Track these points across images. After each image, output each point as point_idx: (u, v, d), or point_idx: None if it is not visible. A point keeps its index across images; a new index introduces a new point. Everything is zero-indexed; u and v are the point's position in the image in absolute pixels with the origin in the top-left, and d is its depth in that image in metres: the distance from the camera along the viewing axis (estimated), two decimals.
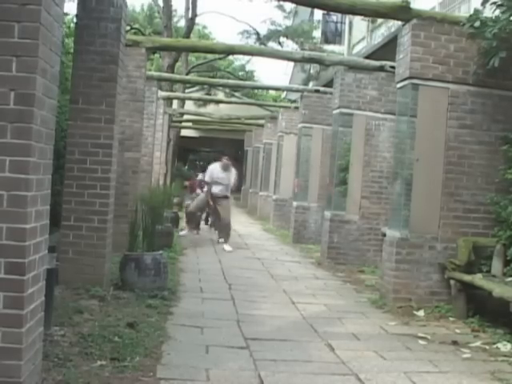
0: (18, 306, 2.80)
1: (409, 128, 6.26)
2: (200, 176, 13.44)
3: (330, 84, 11.48)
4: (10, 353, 2.78)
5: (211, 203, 10.80)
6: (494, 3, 5.78)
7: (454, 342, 4.95)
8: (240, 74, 30.26)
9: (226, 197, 10.75)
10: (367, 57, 10.11)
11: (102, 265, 5.75)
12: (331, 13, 22.67)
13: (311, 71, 23.36)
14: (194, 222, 11.67)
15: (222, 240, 10.89)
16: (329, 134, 10.93)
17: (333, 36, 26.47)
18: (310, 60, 10.57)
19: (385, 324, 5.54)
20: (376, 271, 8.39)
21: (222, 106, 22.71)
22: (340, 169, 9.56)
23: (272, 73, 61.20)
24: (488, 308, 5.69)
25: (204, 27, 34.22)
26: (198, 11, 21.39)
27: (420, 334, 5.16)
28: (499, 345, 4.90)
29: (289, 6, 25.35)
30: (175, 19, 27.07)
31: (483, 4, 5.91)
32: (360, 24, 20.36)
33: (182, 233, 11.50)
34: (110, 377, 3.55)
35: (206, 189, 10.97)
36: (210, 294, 6.55)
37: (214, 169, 10.76)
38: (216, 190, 10.66)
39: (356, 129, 9.42)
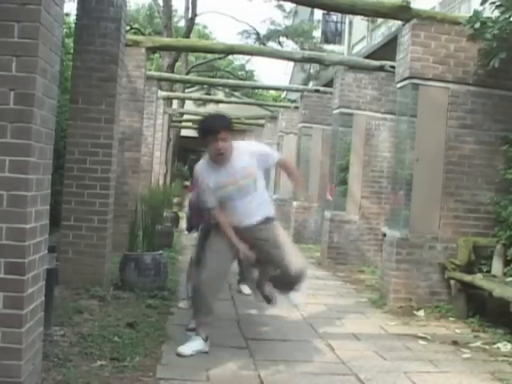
0: (18, 306, 2.80)
1: (409, 128, 6.26)
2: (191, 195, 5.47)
3: (330, 84, 11.47)
4: (10, 353, 2.78)
5: (245, 251, 4.38)
6: (493, 3, 5.77)
7: (454, 342, 4.95)
8: (240, 73, 30.26)
9: (265, 220, 4.46)
10: (367, 57, 10.10)
11: (101, 265, 5.74)
12: (331, 13, 22.67)
13: (311, 71, 23.36)
14: (210, 306, 4.42)
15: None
16: (329, 134, 10.92)
17: (333, 36, 26.48)
18: (310, 60, 10.57)
19: (385, 324, 5.54)
20: (376, 271, 8.38)
21: (221, 105, 22.67)
22: (340, 169, 9.55)
23: (272, 73, 61.20)
24: (488, 308, 5.68)
25: (204, 27, 34.22)
26: (198, 11, 21.43)
27: (420, 334, 5.16)
28: (499, 345, 4.89)
29: (289, 5, 25.37)
30: (175, 19, 27.07)
31: (482, 4, 5.91)
32: (360, 24, 20.35)
33: (189, 348, 4.23)
34: (110, 377, 3.55)
35: (217, 217, 4.42)
36: None
37: (203, 171, 4.45)
38: (235, 215, 4.39)
39: (356, 129, 9.42)
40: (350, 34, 23.20)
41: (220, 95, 24.74)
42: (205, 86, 23.87)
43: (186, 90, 24.22)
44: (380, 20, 17.75)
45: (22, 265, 2.79)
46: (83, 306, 5.02)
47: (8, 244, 2.77)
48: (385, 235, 6.69)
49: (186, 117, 22.74)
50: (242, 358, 4.23)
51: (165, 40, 13.08)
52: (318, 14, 24.98)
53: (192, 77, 20.41)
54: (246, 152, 4.35)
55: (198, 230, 5.37)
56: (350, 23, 22.91)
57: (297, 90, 15.98)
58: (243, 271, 6.25)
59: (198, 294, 4.32)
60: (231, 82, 19.54)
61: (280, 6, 25.58)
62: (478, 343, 4.95)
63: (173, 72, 19.63)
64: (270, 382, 3.75)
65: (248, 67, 33.01)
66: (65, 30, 8.48)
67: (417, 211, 6.21)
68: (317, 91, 12.56)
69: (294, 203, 12.57)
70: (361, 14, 7.67)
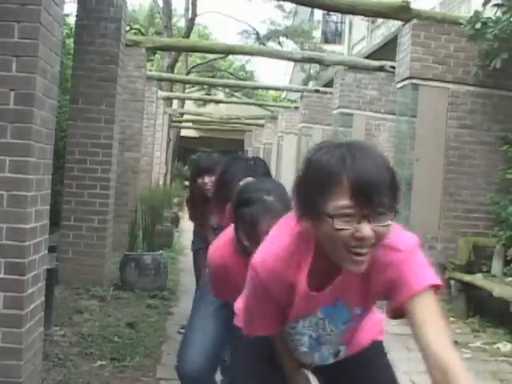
0: (18, 306, 2.80)
1: (409, 128, 6.26)
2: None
3: (330, 84, 11.48)
4: (10, 353, 2.78)
5: None
6: (496, 5, 5.78)
7: (455, 342, 4.91)
8: (240, 74, 30.26)
9: None
10: (367, 57, 10.11)
11: (101, 265, 5.74)
12: (331, 13, 22.69)
13: (311, 71, 23.37)
14: None
15: None
16: (329, 134, 10.92)
17: (333, 36, 26.51)
18: (310, 60, 10.57)
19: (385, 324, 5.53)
20: None
21: (221, 105, 22.71)
22: None
23: (272, 73, 61.20)
24: (488, 308, 5.68)
25: (204, 27, 34.21)
26: (198, 11, 21.40)
27: None
28: (499, 345, 4.89)
29: (289, 5, 25.35)
30: (175, 19, 27.06)
31: (484, 5, 5.91)
32: (360, 24, 20.35)
33: None
34: (110, 377, 3.55)
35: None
36: None
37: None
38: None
39: (356, 129, 9.42)
40: (350, 34, 23.20)
41: (220, 95, 24.74)
42: (205, 86, 23.86)
43: (186, 90, 24.22)
44: (380, 20, 17.75)
45: (22, 265, 2.79)
46: (83, 305, 5.02)
47: (8, 244, 2.77)
48: None
49: (186, 117, 22.75)
50: None
51: (165, 40, 13.09)
52: (318, 14, 25.00)
53: (192, 77, 20.44)
54: None
55: None
56: (350, 23, 22.91)
57: (297, 90, 15.99)
58: None
59: None
60: (231, 82, 19.56)
61: (280, 6, 25.58)
62: (478, 343, 4.95)
63: (173, 72, 19.63)
64: None
65: (248, 67, 33.01)
66: (65, 30, 8.48)
67: (417, 211, 6.20)
68: (317, 91, 12.57)
69: None
70: (361, 14, 7.68)
